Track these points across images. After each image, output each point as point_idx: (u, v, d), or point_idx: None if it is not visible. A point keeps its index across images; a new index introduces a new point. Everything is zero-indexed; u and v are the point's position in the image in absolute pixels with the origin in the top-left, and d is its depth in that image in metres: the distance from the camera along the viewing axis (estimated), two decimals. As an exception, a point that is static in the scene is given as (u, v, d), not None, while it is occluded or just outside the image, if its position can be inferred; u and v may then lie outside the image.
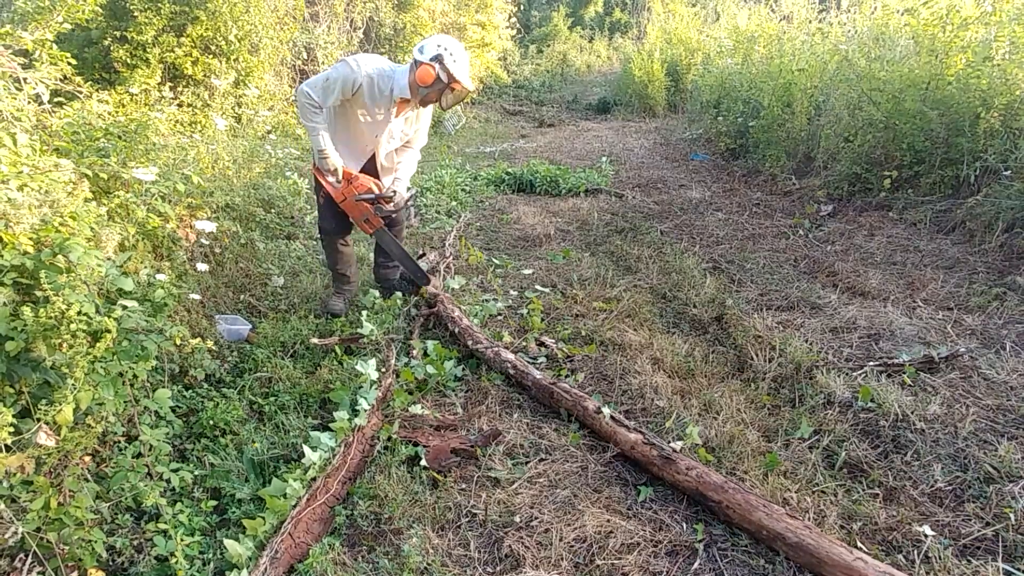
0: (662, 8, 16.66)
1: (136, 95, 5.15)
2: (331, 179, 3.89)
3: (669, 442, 2.85)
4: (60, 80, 3.22)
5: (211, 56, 6.57)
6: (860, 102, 6.52)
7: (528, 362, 3.67)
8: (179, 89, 6.24)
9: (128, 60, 5.92)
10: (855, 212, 6.04)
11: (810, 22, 9.24)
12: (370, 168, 4.07)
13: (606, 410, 2.96)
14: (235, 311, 4.08)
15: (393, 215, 4.16)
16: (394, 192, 3.99)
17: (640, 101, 13.76)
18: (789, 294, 4.49)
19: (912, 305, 4.15)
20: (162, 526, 2.40)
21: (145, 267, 3.12)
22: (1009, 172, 5.00)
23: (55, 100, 3.27)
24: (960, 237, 5.08)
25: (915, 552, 2.29)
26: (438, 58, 3.48)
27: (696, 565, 2.32)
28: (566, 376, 3.54)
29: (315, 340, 3.70)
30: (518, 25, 18.82)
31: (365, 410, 2.97)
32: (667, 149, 10.08)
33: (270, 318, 4.09)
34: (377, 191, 3.96)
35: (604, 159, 9.01)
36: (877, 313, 4.03)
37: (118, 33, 6.01)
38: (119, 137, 3.38)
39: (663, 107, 13.44)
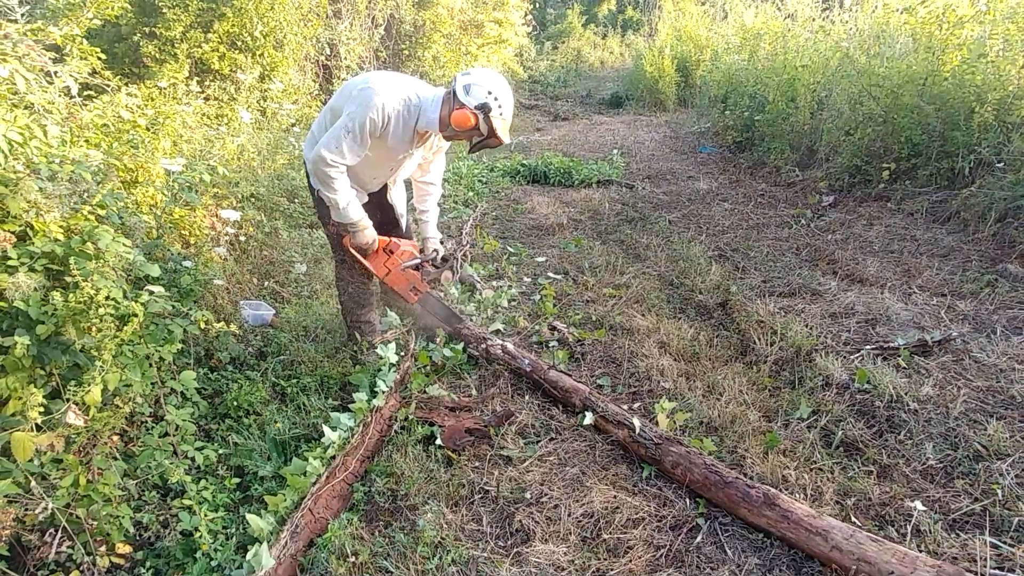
0: (673, 6, 16.72)
1: (164, 89, 5.24)
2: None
3: (654, 416, 2.99)
4: (90, 74, 3.30)
5: (237, 51, 6.67)
6: (860, 97, 6.61)
7: (537, 344, 3.78)
8: (206, 83, 6.33)
9: (157, 55, 6.02)
10: (855, 203, 6.15)
11: (813, 20, 9.33)
12: (379, 198, 3.56)
13: (588, 417, 3.05)
14: (259, 297, 4.18)
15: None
16: (435, 252, 3.54)
17: (651, 96, 13.92)
18: (791, 281, 4.60)
19: (908, 291, 4.25)
20: (187, 502, 2.50)
21: (172, 254, 3.21)
22: (1002, 164, 5.10)
23: (85, 94, 3.35)
24: (955, 227, 5.19)
25: (906, 526, 2.39)
26: (484, 108, 2.93)
27: (698, 539, 2.43)
28: (558, 362, 3.61)
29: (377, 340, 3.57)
30: (533, 22, 19.02)
31: (383, 392, 3.07)
32: (676, 142, 10.18)
33: (293, 304, 4.19)
34: (419, 255, 3.50)
35: (616, 152, 9.13)
36: (874, 299, 4.14)
37: (147, 29, 6.11)
38: (147, 129, 3.46)
39: (673, 102, 13.57)
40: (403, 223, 3.70)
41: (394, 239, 3.45)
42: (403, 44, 11.18)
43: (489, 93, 2.94)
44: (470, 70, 3.06)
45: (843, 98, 7.00)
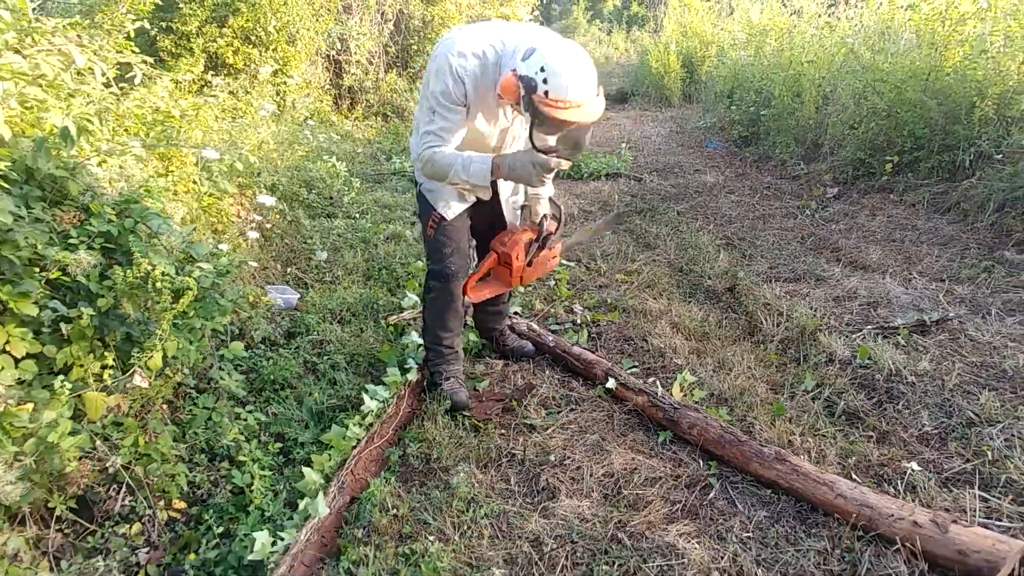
0: (678, 2, 16.82)
1: (181, 83, 5.43)
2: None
3: (670, 387, 3.17)
4: (123, 63, 3.45)
5: (251, 46, 6.85)
6: (865, 92, 6.78)
7: (553, 328, 3.97)
8: (221, 77, 6.51)
9: (173, 49, 6.20)
10: (858, 194, 6.32)
11: (819, 16, 9.49)
12: (490, 207, 3.01)
13: (611, 383, 3.24)
14: (283, 282, 4.35)
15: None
16: (545, 216, 2.92)
17: (657, 91, 13.99)
18: (796, 268, 4.78)
19: (908, 277, 4.43)
20: (241, 458, 2.70)
21: (207, 238, 3.40)
22: (1001, 157, 5.29)
23: (119, 85, 3.52)
24: (955, 217, 5.36)
25: (902, 483, 2.57)
26: (528, 83, 2.27)
27: (711, 495, 2.61)
28: (579, 341, 3.78)
29: (392, 319, 3.80)
30: (540, 18, 19.12)
31: (414, 367, 3.27)
32: (683, 136, 10.32)
33: (316, 289, 4.36)
34: (534, 234, 2.94)
35: (623, 145, 9.25)
36: (876, 284, 4.32)
37: (164, 24, 6.29)
38: (180, 119, 3.66)
39: (679, 97, 13.63)
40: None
41: (499, 246, 2.95)
42: (412, 39, 11.32)
43: (542, 70, 2.23)
44: (551, 36, 2.42)
45: (848, 93, 7.16)
